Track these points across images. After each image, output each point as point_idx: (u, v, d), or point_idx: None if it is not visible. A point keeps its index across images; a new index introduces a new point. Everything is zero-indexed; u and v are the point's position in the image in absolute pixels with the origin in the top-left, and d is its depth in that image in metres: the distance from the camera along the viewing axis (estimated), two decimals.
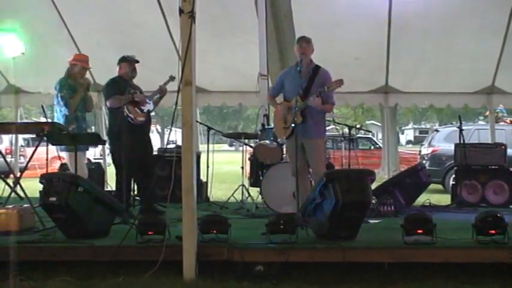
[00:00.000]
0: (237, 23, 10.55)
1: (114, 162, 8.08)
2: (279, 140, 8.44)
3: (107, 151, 13.81)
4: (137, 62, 8.18)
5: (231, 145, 54.13)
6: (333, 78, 7.40)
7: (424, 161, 14.54)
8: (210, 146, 9.94)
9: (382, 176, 12.66)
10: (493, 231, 5.82)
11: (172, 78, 8.06)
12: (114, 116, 8.09)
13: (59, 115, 8.40)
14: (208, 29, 9.55)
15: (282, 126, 7.65)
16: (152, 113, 8.80)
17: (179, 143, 7.12)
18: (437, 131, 17.14)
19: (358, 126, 13.27)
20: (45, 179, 6.49)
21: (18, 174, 7.94)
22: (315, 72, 7.47)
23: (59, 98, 8.31)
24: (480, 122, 30.27)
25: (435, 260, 5.75)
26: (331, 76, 7.47)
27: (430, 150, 15.20)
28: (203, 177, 9.97)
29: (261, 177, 8.81)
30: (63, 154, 8.47)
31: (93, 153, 16.55)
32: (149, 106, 8.22)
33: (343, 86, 7.26)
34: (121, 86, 7.97)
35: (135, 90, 8.07)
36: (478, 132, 14.32)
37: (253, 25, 9.92)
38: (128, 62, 8.14)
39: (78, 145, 7.69)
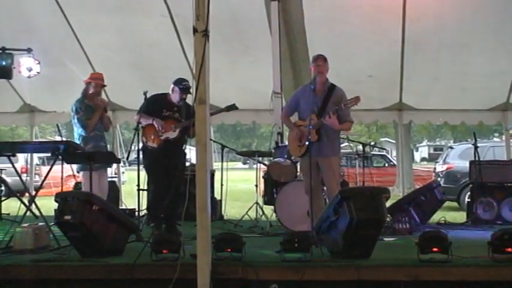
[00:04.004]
0: (250, 41, 10.59)
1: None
2: (292, 157, 8.43)
3: (122, 169, 13.93)
4: (190, 93, 7.92)
5: (245, 163, 53.96)
6: (347, 96, 7.41)
7: (438, 179, 14.46)
8: (224, 164, 9.95)
9: (396, 193, 12.59)
10: (510, 249, 5.77)
11: (230, 108, 8.17)
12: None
13: (76, 135, 8.47)
14: (221, 47, 9.59)
15: (296, 145, 7.63)
16: None
17: (193, 161, 7.12)
18: (452, 148, 17.07)
19: (372, 143, 13.24)
20: (60, 197, 6.52)
21: (34, 193, 7.99)
22: (331, 90, 7.46)
23: (75, 120, 8.36)
24: (495, 139, 30.12)
25: (451, 278, 5.70)
26: (346, 95, 7.48)
27: (444, 167, 15.12)
28: (217, 195, 9.97)
29: (275, 195, 8.79)
30: (80, 174, 8.46)
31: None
32: (171, 134, 7.93)
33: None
34: (155, 106, 7.91)
35: (171, 114, 7.94)
36: (493, 149, 14.24)
37: (267, 43, 9.96)
38: (181, 90, 8.01)
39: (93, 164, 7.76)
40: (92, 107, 8.40)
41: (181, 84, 8.03)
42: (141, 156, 8.05)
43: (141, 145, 8.06)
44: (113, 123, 11.74)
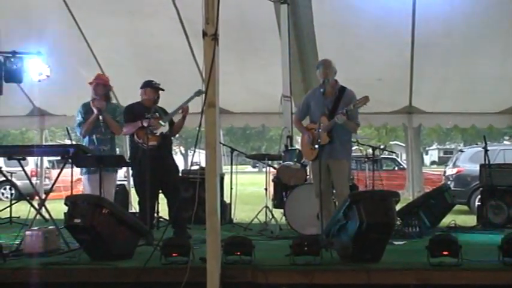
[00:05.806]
0: (259, 44, 10.60)
1: (135, 186, 8.13)
2: (302, 161, 8.43)
3: (131, 172, 13.94)
4: (162, 89, 8.10)
5: (254, 166, 54.06)
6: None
7: (449, 182, 14.42)
8: (234, 167, 9.94)
9: (406, 197, 12.56)
10: None
11: (198, 93, 7.88)
12: (131, 142, 8.20)
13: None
14: (231, 50, 9.59)
15: (309, 148, 7.63)
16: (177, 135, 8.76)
17: (203, 164, 7.12)
18: (462, 151, 17.03)
19: (382, 146, 13.22)
20: (70, 200, 6.54)
21: (44, 196, 8.01)
22: (341, 92, 7.49)
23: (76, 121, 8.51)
24: (505, 142, 29.99)
25: (461, 282, 5.67)
26: (356, 96, 7.47)
27: (454, 170, 15.09)
28: (227, 199, 9.98)
29: (284, 199, 8.79)
30: (82, 178, 8.49)
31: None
32: (163, 128, 8.03)
33: (367, 106, 7.27)
34: (135, 113, 8.01)
35: (152, 115, 7.93)
36: (504, 152, 14.18)
37: (276, 47, 9.97)
38: (154, 89, 8.07)
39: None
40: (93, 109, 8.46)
41: (151, 84, 8.12)
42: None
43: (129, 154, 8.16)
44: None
